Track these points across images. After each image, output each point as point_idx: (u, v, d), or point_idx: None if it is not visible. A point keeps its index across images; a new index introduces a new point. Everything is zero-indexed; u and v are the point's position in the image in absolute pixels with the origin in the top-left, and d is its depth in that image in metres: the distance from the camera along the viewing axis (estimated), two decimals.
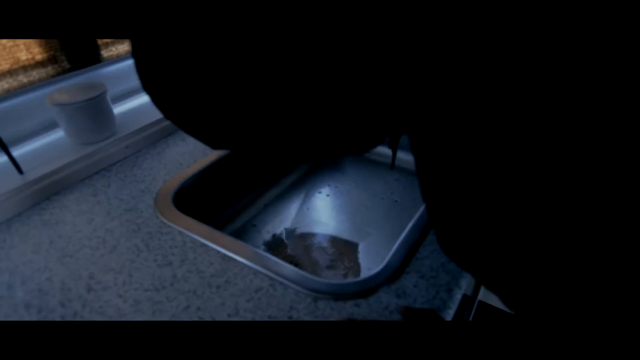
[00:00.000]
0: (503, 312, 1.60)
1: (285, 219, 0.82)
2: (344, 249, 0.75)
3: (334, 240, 0.76)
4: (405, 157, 0.95)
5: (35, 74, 0.71)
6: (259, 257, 0.53)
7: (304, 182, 0.91)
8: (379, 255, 0.72)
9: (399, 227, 0.78)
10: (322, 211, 0.84)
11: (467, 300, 1.36)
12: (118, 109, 0.83)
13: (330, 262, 0.72)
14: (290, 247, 0.75)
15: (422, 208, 0.60)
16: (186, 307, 0.47)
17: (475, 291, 1.47)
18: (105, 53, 0.80)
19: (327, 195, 0.88)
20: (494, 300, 1.64)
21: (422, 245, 0.55)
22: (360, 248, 0.75)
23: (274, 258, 0.53)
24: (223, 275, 0.51)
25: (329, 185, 0.90)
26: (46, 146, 0.73)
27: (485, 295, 1.66)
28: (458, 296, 0.49)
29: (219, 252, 0.54)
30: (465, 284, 0.50)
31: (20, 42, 0.68)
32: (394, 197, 0.86)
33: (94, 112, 0.70)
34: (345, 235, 0.77)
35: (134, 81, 0.89)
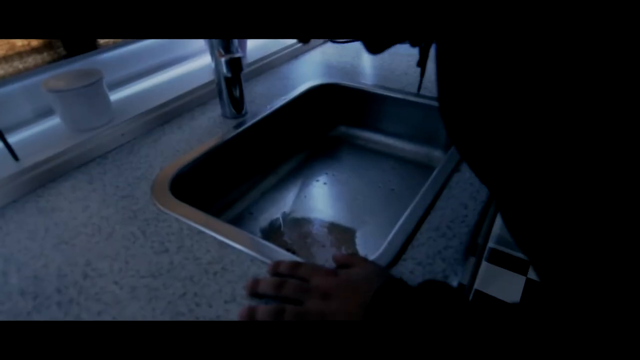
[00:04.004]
0: (500, 302, 1.61)
1: (282, 206, 0.81)
2: (341, 236, 0.75)
3: (331, 227, 0.77)
4: (402, 146, 0.95)
5: (31, 60, 0.70)
6: (255, 244, 0.53)
7: (301, 171, 0.91)
8: (376, 243, 0.72)
9: (395, 215, 0.78)
10: (319, 199, 0.84)
11: (463, 289, 1.37)
12: (114, 96, 0.83)
13: (327, 249, 0.72)
14: (287, 234, 0.75)
15: (418, 197, 0.60)
16: (183, 294, 0.47)
17: (472, 280, 1.48)
18: (101, 40, 0.79)
19: (324, 183, 0.88)
20: (491, 289, 1.65)
21: (418, 232, 0.55)
22: (358, 235, 0.75)
23: (270, 245, 0.53)
24: (220, 262, 0.51)
25: (326, 174, 0.90)
26: (42, 133, 0.72)
27: (483, 285, 1.67)
28: (454, 283, 0.49)
29: (215, 238, 0.54)
30: (461, 271, 0.50)
31: None
32: (391, 186, 0.86)
33: (90, 98, 0.69)
34: (343, 222, 0.78)
35: (130, 68, 0.88)
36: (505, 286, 1.66)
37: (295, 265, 0.46)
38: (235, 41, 0.68)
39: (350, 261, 0.47)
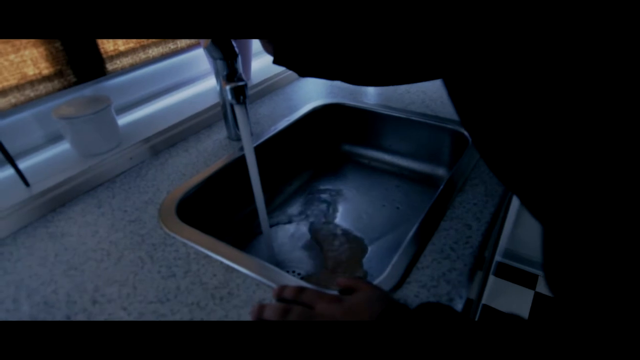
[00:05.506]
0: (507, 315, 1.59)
1: (288, 226, 0.82)
2: (350, 253, 0.75)
3: (344, 238, 0.77)
4: (405, 164, 0.96)
5: (42, 88, 0.72)
6: (261, 268, 0.54)
7: (305, 190, 0.92)
8: (382, 263, 0.73)
9: (400, 234, 0.78)
10: (324, 218, 0.84)
11: (471, 305, 1.36)
12: (122, 120, 0.85)
13: (333, 270, 0.72)
14: (293, 255, 0.76)
15: (421, 218, 0.61)
16: (190, 319, 0.47)
17: (480, 294, 1.47)
18: (110, 66, 0.81)
19: (329, 202, 0.88)
20: (499, 303, 1.63)
21: (422, 255, 0.55)
22: (364, 255, 0.75)
23: (275, 268, 0.54)
24: (226, 287, 0.51)
25: (331, 193, 0.91)
26: (52, 158, 0.74)
27: (491, 299, 1.65)
28: (459, 306, 0.49)
29: (222, 263, 0.55)
30: (466, 293, 0.51)
31: (27, 57, 0.69)
32: (395, 204, 0.86)
33: (98, 124, 0.71)
34: (349, 243, 0.78)
35: (137, 93, 0.90)
36: (514, 300, 1.65)
37: (300, 290, 0.47)
38: (240, 67, 0.69)
39: (353, 285, 0.48)
